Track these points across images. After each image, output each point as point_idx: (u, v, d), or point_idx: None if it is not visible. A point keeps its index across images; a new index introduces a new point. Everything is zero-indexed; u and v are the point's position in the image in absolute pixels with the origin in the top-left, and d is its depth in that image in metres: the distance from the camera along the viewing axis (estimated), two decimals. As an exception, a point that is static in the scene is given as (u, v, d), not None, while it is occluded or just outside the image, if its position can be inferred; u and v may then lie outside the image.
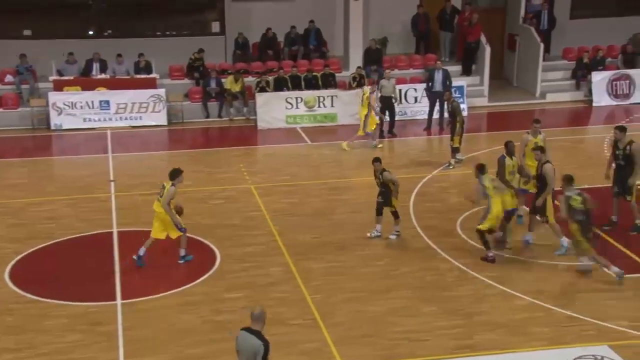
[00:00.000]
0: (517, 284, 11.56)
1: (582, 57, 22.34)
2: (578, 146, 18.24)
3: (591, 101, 21.65)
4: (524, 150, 13.39)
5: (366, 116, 18.18)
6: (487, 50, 21.95)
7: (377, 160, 13.29)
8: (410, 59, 22.69)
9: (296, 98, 20.45)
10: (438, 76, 19.47)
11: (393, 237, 13.26)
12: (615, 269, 11.43)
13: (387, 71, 19.75)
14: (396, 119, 19.49)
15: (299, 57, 22.40)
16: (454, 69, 22.04)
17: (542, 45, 22.06)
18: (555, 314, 10.69)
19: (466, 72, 21.97)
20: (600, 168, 16.45)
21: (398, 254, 12.72)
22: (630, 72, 21.79)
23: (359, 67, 21.18)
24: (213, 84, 20.86)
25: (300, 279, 11.81)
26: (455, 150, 16.62)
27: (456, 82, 20.79)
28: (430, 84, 19.56)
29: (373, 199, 14.87)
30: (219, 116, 20.93)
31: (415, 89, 20.91)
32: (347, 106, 20.45)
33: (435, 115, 19.78)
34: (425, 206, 14.71)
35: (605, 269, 11.55)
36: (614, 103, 21.57)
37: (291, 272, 12.07)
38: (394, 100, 19.29)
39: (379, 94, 19.04)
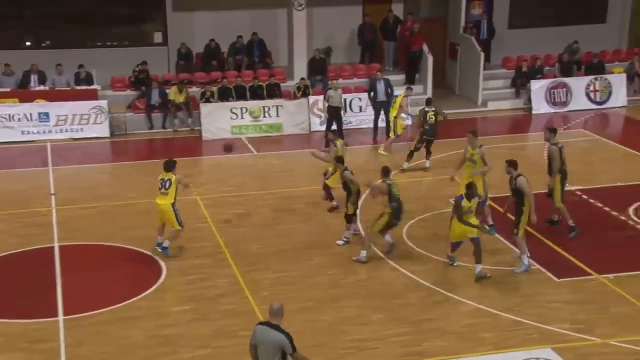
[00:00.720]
0: (463, 290, 11.66)
1: (521, 65, 22.82)
2: (519, 153, 18.50)
3: (531, 109, 22.11)
4: (464, 159, 13.57)
5: (395, 118, 18.32)
6: (430, 59, 22.23)
7: (339, 160, 13.47)
8: (354, 68, 22.81)
9: (241, 108, 20.31)
10: (380, 86, 19.56)
11: (341, 242, 13.24)
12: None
13: (334, 81, 19.75)
14: (343, 128, 19.51)
15: (243, 67, 22.28)
16: (398, 78, 22.23)
17: (482, 55, 22.47)
18: (501, 319, 10.81)
19: (410, 81, 22.19)
20: (542, 175, 16.83)
21: (347, 263, 12.70)
22: (567, 80, 22.35)
23: (302, 78, 21.18)
24: (156, 95, 20.56)
25: (248, 291, 11.68)
26: (409, 155, 16.90)
27: (401, 91, 20.98)
28: (372, 94, 19.65)
29: (321, 208, 14.85)
30: (163, 127, 20.63)
31: (360, 98, 21.01)
32: (292, 116, 20.41)
33: (382, 124, 19.83)
34: (372, 215, 14.69)
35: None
36: (552, 110, 22.07)
37: (239, 284, 11.93)
38: (341, 111, 19.31)
39: (327, 104, 19.06)
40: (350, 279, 12.13)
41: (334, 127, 19.08)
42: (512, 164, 12.18)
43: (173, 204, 12.56)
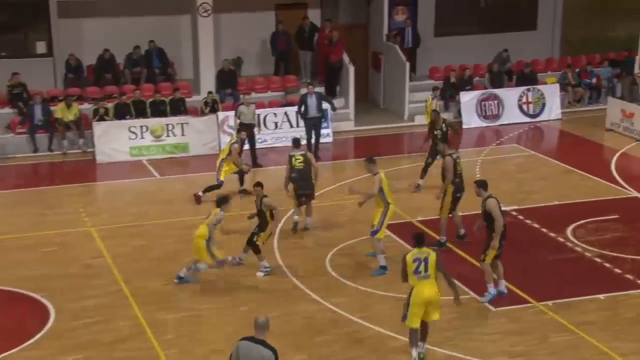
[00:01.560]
0: (391, 323, 11.71)
1: (449, 76, 23.33)
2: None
3: (461, 122, 22.59)
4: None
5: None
6: (351, 70, 22.48)
7: (258, 184, 13.38)
8: (268, 80, 22.83)
9: (141, 127, 19.99)
10: (312, 101, 19.61)
11: (261, 274, 13.15)
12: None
13: (247, 96, 19.59)
14: (257, 147, 19.45)
15: (143, 81, 21.97)
16: (318, 90, 22.34)
17: (407, 64, 22.86)
18: (434, 354, 10.89)
19: (330, 94, 22.36)
20: (474, 194, 17.17)
21: (263, 297, 12.60)
22: (498, 91, 22.97)
23: (209, 92, 21.05)
24: (39, 113, 19.97)
25: (151, 333, 11.42)
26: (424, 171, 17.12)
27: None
28: (303, 109, 19.70)
29: (233, 237, 14.70)
30: (50, 150, 20.06)
31: (275, 114, 21.02)
32: (199, 134, 20.22)
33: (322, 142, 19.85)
34: (291, 242, 14.70)
35: None
36: (484, 124, 22.62)
37: (141, 326, 11.66)
38: (254, 128, 19.25)
39: (238, 121, 18.96)
40: (268, 315, 11.97)
41: (247, 146, 19.00)
42: (481, 185, 12.25)
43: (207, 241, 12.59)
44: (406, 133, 22.03)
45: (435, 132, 17.02)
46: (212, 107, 20.81)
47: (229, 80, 21.94)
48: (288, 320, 11.82)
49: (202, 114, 20.79)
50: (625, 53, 23.93)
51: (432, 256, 10.33)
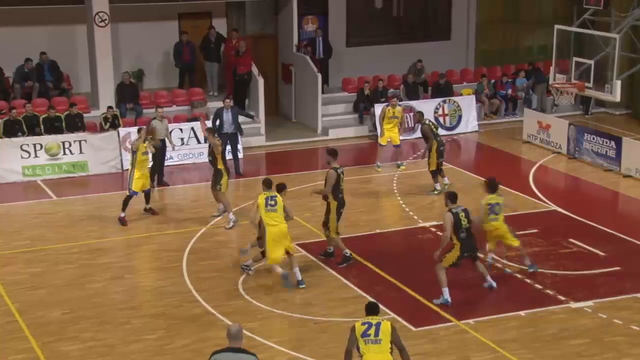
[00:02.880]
0: (310, 347, 11.80)
1: (363, 88, 23.68)
2: (366, 186, 19.21)
3: (377, 136, 22.91)
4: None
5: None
6: (260, 82, 22.57)
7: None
8: (172, 94, 22.69)
9: (34, 145, 19.54)
10: (227, 116, 19.60)
11: (251, 271, 13.81)
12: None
13: (160, 109, 19.19)
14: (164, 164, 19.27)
15: (35, 96, 21.49)
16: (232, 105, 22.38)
17: (319, 76, 23.07)
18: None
19: (239, 107, 22.36)
20: (391, 210, 17.50)
21: (172, 324, 12.49)
22: (414, 103, 23.43)
23: (109, 107, 20.78)
24: None
25: (51, 367, 11.17)
26: (434, 175, 18.12)
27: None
28: (218, 123, 19.65)
29: (139, 260, 14.53)
30: None
31: (181, 129, 20.89)
32: (99, 152, 19.91)
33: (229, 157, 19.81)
34: (201, 265, 14.63)
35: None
36: (400, 137, 22.93)
37: (38, 359, 11.36)
38: (169, 145, 19.00)
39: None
40: (177, 344, 11.92)
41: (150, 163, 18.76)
42: (449, 196, 13.23)
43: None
44: (320, 147, 22.21)
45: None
46: (112, 122, 20.53)
47: (129, 94, 21.70)
48: (199, 348, 11.75)
49: (102, 130, 20.48)
50: (540, 64, 24.82)
51: (386, 323, 9.61)
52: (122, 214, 16.36)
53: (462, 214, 12.91)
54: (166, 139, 18.96)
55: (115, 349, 11.76)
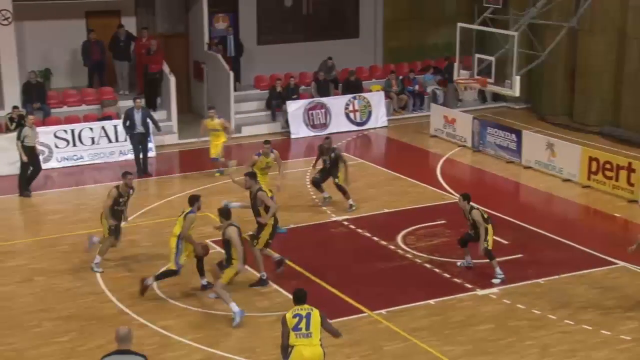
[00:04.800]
0: (226, 343, 11.74)
1: (275, 85, 23.69)
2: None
3: (289, 133, 23.00)
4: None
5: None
6: (172, 80, 22.31)
7: (250, 175, 13.99)
8: (82, 93, 22.21)
9: (-62, 146, 18.85)
10: (138, 116, 19.31)
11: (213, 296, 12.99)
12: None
13: (30, 117, 18.38)
14: (71, 164, 18.85)
15: None
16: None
17: (231, 74, 22.97)
18: (271, 371, 11.03)
19: (151, 106, 22.07)
20: (305, 205, 17.56)
21: (85, 325, 12.25)
22: (325, 100, 23.60)
23: (15, 107, 20.18)
24: None
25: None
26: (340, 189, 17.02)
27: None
28: (128, 124, 19.32)
29: (49, 262, 14.22)
30: None
31: (91, 129, 20.47)
32: (4, 153, 19.24)
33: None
34: (115, 264, 14.38)
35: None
36: (312, 134, 23.14)
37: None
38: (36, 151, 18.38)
39: (20, 145, 17.93)
40: (90, 345, 11.69)
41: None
42: (466, 198, 13.71)
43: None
44: (233, 145, 22.08)
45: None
46: (18, 122, 19.92)
47: (36, 94, 21.14)
48: (114, 348, 11.50)
49: (7, 130, 19.87)
50: (446, 60, 25.27)
51: (315, 313, 9.65)
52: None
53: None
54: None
55: (24, 354, 11.45)
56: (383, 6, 26.25)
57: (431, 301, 13.01)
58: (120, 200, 14.03)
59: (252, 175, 14.06)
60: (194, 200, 13.15)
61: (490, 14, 18.81)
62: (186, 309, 12.79)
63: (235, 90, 23.28)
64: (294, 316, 9.55)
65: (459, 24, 18.82)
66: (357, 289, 13.43)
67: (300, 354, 9.47)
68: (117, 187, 14.05)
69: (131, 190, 14.22)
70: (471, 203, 13.82)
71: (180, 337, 11.88)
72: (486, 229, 13.65)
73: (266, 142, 16.20)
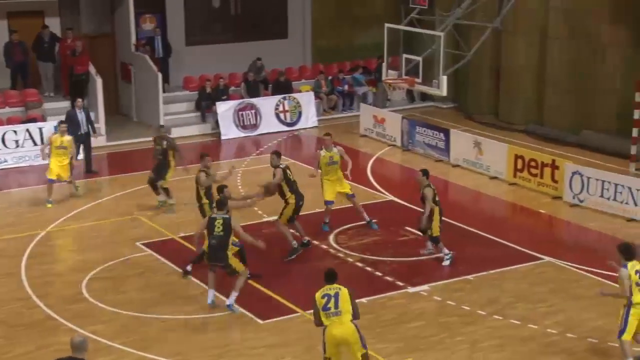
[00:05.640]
0: (157, 346, 11.58)
1: (204, 86, 23.50)
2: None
3: (220, 134, 22.84)
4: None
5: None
6: (99, 82, 21.93)
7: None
8: (4, 95, 21.64)
9: None
10: (81, 116, 19.09)
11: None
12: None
13: None
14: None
15: None
16: (62, 105, 21.57)
17: (159, 75, 22.71)
18: (204, 373, 10.92)
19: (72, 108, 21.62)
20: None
21: (11, 331, 11.96)
22: (255, 101, 23.52)
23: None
24: None
25: None
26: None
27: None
28: (72, 125, 18.94)
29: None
30: None
31: (15, 132, 19.98)
32: None
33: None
34: (42, 269, 14.05)
35: None
36: (243, 135, 23.03)
37: None
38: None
39: None
40: (17, 351, 11.41)
41: None
42: (425, 173, 14.26)
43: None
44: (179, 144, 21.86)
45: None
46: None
47: (-43, 96, 20.55)
48: (42, 354, 11.28)
49: None
50: (376, 60, 25.44)
51: (344, 291, 9.93)
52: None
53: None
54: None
55: (-50, 362, 11.10)
56: (311, 7, 26.29)
57: (363, 300, 13.03)
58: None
59: (277, 154, 14.82)
60: (202, 157, 14.39)
61: (416, 14, 18.99)
62: (117, 313, 12.57)
63: (164, 91, 23.02)
64: (323, 296, 9.88)
65: (387, 25, 18.96)
66: (290, 289, 13.40)
67: (331, 334, 9.81)
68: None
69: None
70: (429, 180, 14.24)
71: (110, 342, 11.67)
72: (432, 210, 13.96)
73: (326, 134, 16.39)
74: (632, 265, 10.61)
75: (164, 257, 14.54)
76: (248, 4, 25.92)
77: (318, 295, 9.93)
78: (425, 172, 14.36)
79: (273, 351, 11.49)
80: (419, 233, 14.86)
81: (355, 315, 10.08)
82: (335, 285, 10.01)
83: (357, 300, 12.79)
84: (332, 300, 9.81)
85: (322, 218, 15.91)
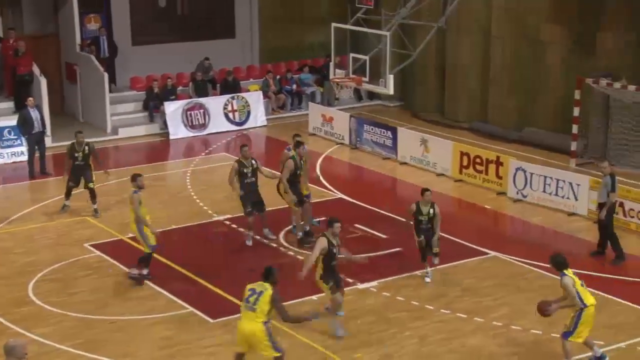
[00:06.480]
0: (105, 347, 11.48)
1: (152, 86, 23.30)
2: (160, 184, 18.90)
3: (168, 134, 22.67)
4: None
5: None
6: (43, 82, 21.59)
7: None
8: (-55, 97, 21.20)
9: None
10: (35, 114, 18.91)
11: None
12: None
13: None
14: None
15: None
16: (6, 105, 21.22)
17: (106, 75, 22.46)
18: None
19: (22, 108, 21.21)
20: (186, 206, 17.36)
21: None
22: (203, 100, 23.39)
23: None
24: None
25: None
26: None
27: (9, 121, 20.10)
28: (25, 125, 18.63)
29: None
30: None
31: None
32: None
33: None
34: (-13, 273, 13.81)
35: None
36: (191, 134, 22.89)
37: None
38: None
39: None
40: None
41: None
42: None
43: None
44: (110, 147, 21.61)
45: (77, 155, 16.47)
46: None
47: None
48: (-11, 359, 11.06)
49: None
50: (324, 59, 25.50)
51: (267, 293, 9.92)
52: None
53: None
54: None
55: None
56: (258, 7, 26.24)
57: (314, 297, 13.09)
58: (244, 170, 14.79)
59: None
60: (134, 178, 13.20)
61: (363, 14, 19.08)
62: (65, 315, 12.41)
63: (110, 91, 22.76)
64: (250, 289, 10.03)
65: (334, 24, 19.01)
66: (241, 288, 13.32)
67: (240, 326, 10.05)
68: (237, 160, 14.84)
69: (253, 161, 15.01)
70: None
71: (59, 344, 11.52)
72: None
73: (296, 136, 16.21)
74: (569, 272, 10.79)
75: (112, 258, 14.39)
76: (195, 4, 25.78)
77: (247, 287, 10.13)
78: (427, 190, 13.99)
79: (224, 349, 11.46)
80: (368, 229, 14.97)
81: (285, 318, 10.19)
82: (266, 285, 10.04)
83: (307, 298, 12.93)
84: (255, 296, 9.96)
85: (283, 215, 15.86)
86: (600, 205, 14.61)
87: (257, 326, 9.90)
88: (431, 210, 13.54)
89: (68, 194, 16.55)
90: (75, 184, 16.49)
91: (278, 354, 10.07)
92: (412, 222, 13.71)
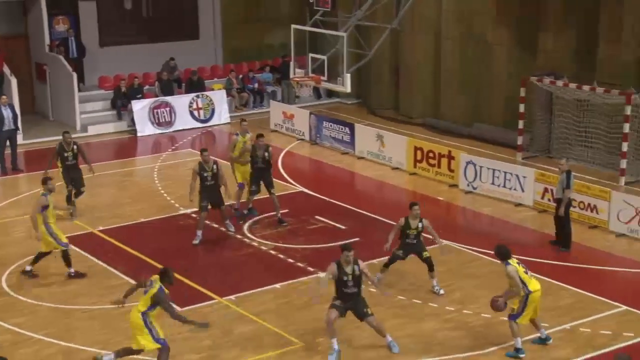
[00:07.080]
0: (81, 336, 11.43)
1: (119, 85, 23.16)
2: (129, 180, 18.82)
3: (135, 131, 22.55)
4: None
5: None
6: (14, 82, 21.35)
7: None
8: None
9: None
10: (7, 112, 18.73)
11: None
12: None
13: None
14: None
15: None
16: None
17: (75, 75, 22.28)
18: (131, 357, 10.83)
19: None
20: (154, 200, 17.31)
21: None
22: (169, 99, 23.31)
23: None
24: None
25: None
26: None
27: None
28: None
29: None
30: None
31: None
32: None
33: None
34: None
35: None
36: (158, 131, 22.80)
37: None
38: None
39: None
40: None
41: None
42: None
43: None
44: (80, 144, 21.36)
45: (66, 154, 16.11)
46: None
47: None
48: (-35, 349, 10.97)
49: None
50: (281, 59, 25.53)
51: (153, 290, 9.99)
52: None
53: None
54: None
55: None
56: (221, 9, 26.18)
57: (277, 285, 13.18)
58: (204, 174, 14.51)
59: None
60: (45, 181, 13.00)
61: (320, 16, 19.16)
62: (38, 305, 12.33)
63: (79, 90, 22.59)
64: (149, 282, 10.11)
65: (293, 26, 19.07)
66: (207, 278, 13.41)
67: (131, 312, 10.20)
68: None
69: (214, 166, 14.68)
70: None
71: (33, 333, 11.45)
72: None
73: (243, 120, 16.66)
74: (513, 261, 11.00)
75: (84, 250, 14.31)
76: (159, 6, 25.64)
77: (152, 277, 10.20)
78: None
79: (193, 336, 11.49)
80: (328, 221, 15.07)
81: (173, 316, 10.21)
82: (158, 283, 10.09)
83: (271, 286, 13.00)
84: (147, 290, 10.11)
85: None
86: (557, 201, 14.77)
87: (134, 317, 10.08)
88: (419, 225, 13.07)
89: (69, 199, 15.93)
90: (74, 188, 15.93)
91: (159, 345, 10.10)
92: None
